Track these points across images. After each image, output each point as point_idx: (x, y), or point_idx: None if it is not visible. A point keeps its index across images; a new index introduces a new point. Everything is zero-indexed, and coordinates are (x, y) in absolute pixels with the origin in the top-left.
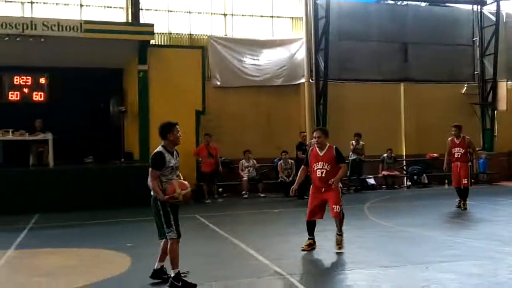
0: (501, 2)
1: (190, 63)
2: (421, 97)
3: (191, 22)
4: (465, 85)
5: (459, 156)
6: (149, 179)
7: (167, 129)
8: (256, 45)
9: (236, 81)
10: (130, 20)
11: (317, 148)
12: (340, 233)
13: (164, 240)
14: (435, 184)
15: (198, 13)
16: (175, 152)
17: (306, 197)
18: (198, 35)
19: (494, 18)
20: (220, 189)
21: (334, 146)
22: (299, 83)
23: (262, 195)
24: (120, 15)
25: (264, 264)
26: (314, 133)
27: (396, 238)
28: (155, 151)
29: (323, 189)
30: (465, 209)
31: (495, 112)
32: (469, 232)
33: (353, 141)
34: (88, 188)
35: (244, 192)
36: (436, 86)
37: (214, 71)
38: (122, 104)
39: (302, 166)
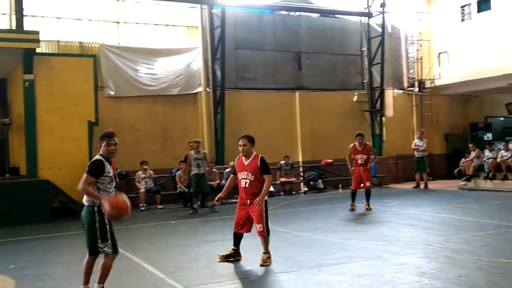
0: (386, 15)
1: (81, 72)
2: (315, 105)
3: (81, 29)
4: (356, 93)
5: (362, 162)
6: (80, 186)
7: (101, 139)
8: (151, 54)
9: (130, 90)
10: (14, 27)
11: (243, 157)
12: (265, 251)
13: (89, 257)
14: (330, 189)
15: (89, 20)
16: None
17: (206, 206)
18: (89, 43)
19: (380, 30)
20: None
21: (260, 156)
22: (196, 92)
23: (160, 206)
24: (3, 22)
25: (160, 278)
26: (240, 141)
27: (291, 243)
28: (94, 158)
29: (248, 202)
30: (370, 209)
31: (383, 118)
32: (360, 234)
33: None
34: None
35: (141, 204)
36: (329, 94)
37: (107, 80)
38: (6, 116)
39: (231, 175)
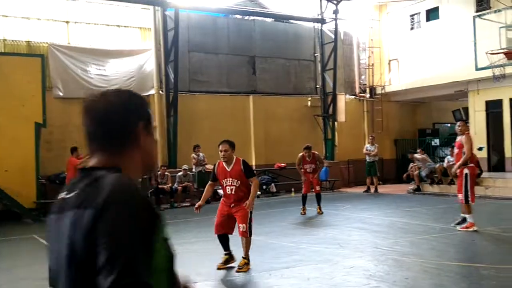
0: (338, 21)
1: (29, 72)
2: (269, 109)
3: (29, 28)
4: (309, 98)
5: (311, 170)
6: None
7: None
8: (102, 55)
9: (80, 91)
10: None
11: (224, 163)
12: (245, 256)
13: None
14: (283, 193)
15: (38, 19)
16: None
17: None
18: (38, 42)
19: (333, 36)
20: None
21: (241, 160)
22: (148, 95)
23: None
24: None
25: None
26: (220, 147)
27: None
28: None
29: (232, 205)
30: (321, 213)
31: (336, 123)
32: (311, 237)
33: (194, 154)
34: None
35: None
36: (283, 99)
37: (56, 81)
38: None
39: (209, 182)
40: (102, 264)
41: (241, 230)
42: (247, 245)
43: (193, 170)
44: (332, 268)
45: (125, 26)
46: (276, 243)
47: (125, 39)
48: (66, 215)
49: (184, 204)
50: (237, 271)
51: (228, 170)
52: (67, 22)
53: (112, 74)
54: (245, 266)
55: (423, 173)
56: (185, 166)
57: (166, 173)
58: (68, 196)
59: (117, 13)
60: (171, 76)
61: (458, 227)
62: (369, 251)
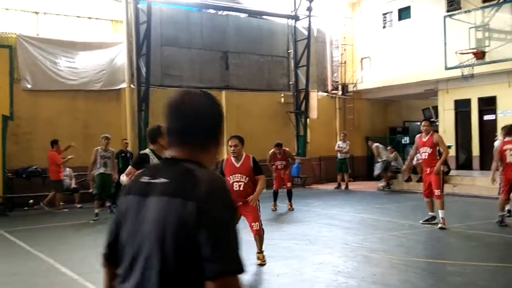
0: (312, 18)
1: None
2: (241, 105)
3: None
4: (282, 95)
5: (282, 167)
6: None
7: (158, 133)
8: (72, 47)
9: (49, 84)
10: None
11: (232, 159)
12: (260, 251)
13: None
14: None
15: (6, 9)
16: None
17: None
18: (6, 33)
19: (306, 33)
20: (31, 201)
21: (251, 156)
22: (119, 88)
23: (78, 205)
24: None
25: (73, 280)
26: (230, 142)
27: None
28: (142, 152)
29: (241, 203)
30: (292, 209)
31: (308, 120)
32: (281, 234)
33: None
34: None
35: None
36: (256, 95)
37: (24, 72)
38: None
39: None
40: (209, 253)
41: (254, 229)
42: (261, 242)
43: None
44: (302, 264)
45: (96, 18)
46: (247, 239)
47: (96, 31)
48: (155, 200)
49: None
50: (260, 264)
51: (237, 166)
52: (37, 12)
53: (82, 66)
54: (264, 258)
55: (376, 172)
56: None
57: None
58: (154, 181)
59: (88, 4)
60: (143, 70)
61: (439, 225)
62: (339, 247)
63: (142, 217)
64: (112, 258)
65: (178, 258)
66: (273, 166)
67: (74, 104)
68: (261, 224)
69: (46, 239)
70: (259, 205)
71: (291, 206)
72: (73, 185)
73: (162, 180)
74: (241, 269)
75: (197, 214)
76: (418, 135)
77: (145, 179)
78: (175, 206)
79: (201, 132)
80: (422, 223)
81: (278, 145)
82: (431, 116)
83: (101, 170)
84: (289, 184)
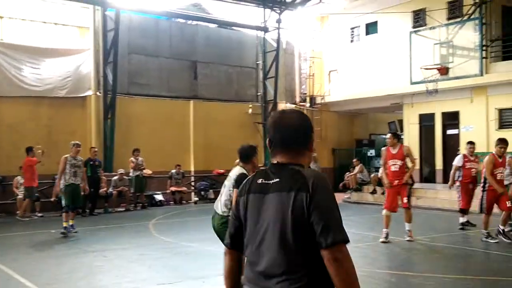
0: (281, 31)
1: None
2: (209, 115)
3: None
4: (250, 105)
5: None
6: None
7: (254, 153)
8: (37, 53)
9: (12, 90)
10: None
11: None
12: None
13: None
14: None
15: None
16: None
17: (95, 214)
18: None
19: (275, 45)
20: None
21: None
22: (85, 96)
23: (39, 214)
24: None
25: None
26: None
27: (178, 254)
28: (242, 172)
29: None
30: None
31: None
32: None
33: (132, 158)
34: None
35: (19, 211)
36: (224, 105)
37: None
38: None
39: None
40: (321, 228)
41: None
42: None
43: (131, 174)
44: None
45: (62, 24)
46: (212, 250)
47: (62, 37)
48: (273, 195)
49: (119, 209)
50: None
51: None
52: (1, 17)
53: (47, 73)
54: None
55: None
56: (121, 170)
57: (102, 177)
58: (269, 182)
59: (55, 10)
60: (110, 77)
61: (407, 238)
62: None
63: (265, 209)
64: (235, 245)
65: (298, 235)
66: None
67: (38, 111)
68: None
69: (5, 248)
70: None
71: None
72: (35, 194)
73: (276, 180)
74: (347, 239)
75: (309, 203)
76: (384, 148)
77: (260, 180)
78: (291, 197)
79: (299, 141)
80: (382, 242)
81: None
82: (396, 130)
83: (71, 180)
84: None
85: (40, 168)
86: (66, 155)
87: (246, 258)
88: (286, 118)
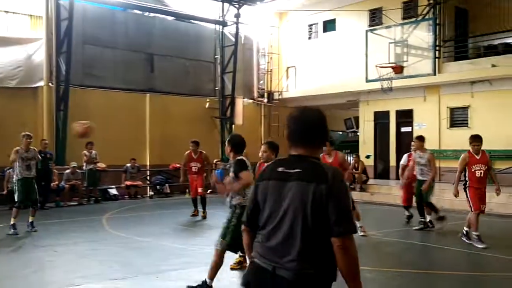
0: (240, 25)
1: None
2: (166, 108)
3: None
4: (208, 100)
5: (196, 170)
6: (236, 185)
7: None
8: None
9: None
10: None
11: (265, 164)
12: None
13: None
14: (177, 194)
15: None
16: None
17: (47, 208)
18: None
19: (233, 39)
20: None
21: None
22: (37, 87)
23: None
24: None
25: None
26: (262, 147)
27: (131, 249)
28: (240, 157)
29: None
30: (205, 217)
31: (233, 126)
32: (202, 239)
33: (85, 151)
34: None
35: None
36: (181, 99)
37: None
38: None
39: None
40: (336, 217)
41: None
42: None
43: (84, 167)
44: (221, 270)
45: (13, 13)
46: (166, 245)
47: (14, 26)
48: (294, 184)
49: (71, 203)
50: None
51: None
52: None
53: None
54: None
55: None
56: (73, 164)
57: (54, 170)
58: (290, 171)
59: None
60: (63, 68)
61: (360, 233)
62: None
63: (284, 195)
64: (251, 224)
65: (314, 220)
66: (188, 169)
67: None
68: None
69: None
70: None
71: (204, 213)
72: None
73: (297, 170)
74: (355, 230)
75: (327, 194)
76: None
77: (280, 169)
78: (312, 188)
79: (316, 136)
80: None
81: (194, 142)
82: (352, 127)
83: (25, 174)
84: (200, 190)
85: None
86: (17, 148)
87: (258, 236)
88: (308, 116)
